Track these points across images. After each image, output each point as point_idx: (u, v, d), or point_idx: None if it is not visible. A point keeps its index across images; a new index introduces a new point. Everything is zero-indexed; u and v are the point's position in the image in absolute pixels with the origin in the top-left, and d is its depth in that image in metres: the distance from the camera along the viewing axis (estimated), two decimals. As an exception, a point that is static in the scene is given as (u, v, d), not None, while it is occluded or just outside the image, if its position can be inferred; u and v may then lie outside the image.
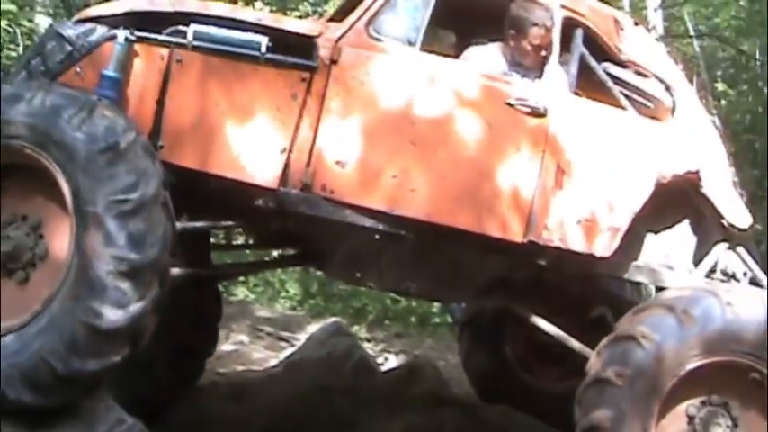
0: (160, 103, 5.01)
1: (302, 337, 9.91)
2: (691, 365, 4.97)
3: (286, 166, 5.04)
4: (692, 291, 5.28)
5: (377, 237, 5.26)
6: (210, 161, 5.02)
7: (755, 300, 5.17)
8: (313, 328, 10.08)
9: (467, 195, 5.22)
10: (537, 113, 5.34)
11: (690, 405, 5.13)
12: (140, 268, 4.30)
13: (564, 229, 5.37)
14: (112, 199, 4.29)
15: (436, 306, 14.12)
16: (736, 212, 5.89)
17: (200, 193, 5.15)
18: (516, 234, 5.28)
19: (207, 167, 5.01)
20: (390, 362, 10.06)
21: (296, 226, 5.36)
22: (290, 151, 5.04)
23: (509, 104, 5.31)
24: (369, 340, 11.71)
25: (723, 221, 5.83)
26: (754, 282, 5.85)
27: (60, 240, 4.45)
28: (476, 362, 7.60)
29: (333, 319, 10.58)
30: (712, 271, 5.88)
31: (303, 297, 14.66)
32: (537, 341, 6.87)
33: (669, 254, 5.94)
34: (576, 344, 5.70)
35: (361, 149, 5.10)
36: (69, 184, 4.37)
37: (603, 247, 5.43)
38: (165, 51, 5.06)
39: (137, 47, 5.02)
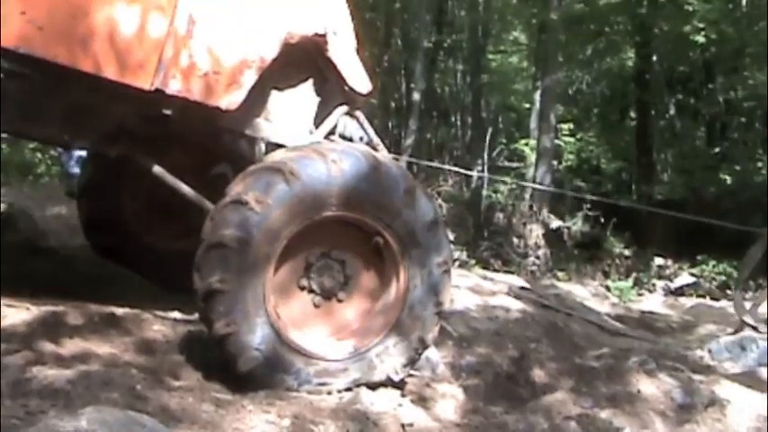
0: None
1: None
2: (303, 223, 5.03)
3: None
4: (299, 151, 5.26)
5: (1, 75, 4.92)
6: None
7: (362, 157, 5.25)
8: None
9: (95, 37, 4.98)
10: None
11: (311, 254, 5.26)
12: None
13: (191, 79, 5.30)
14: None
15: (39, 156, 13.60)
16: (359, 78, 6.06)
17: None
18: (143, 81, 5.14)
19: None
20: (-14, 211, 9.45)
21: None
22: None
23: None
24: (-35, 188, 10.98)
25: (345, 86, 5.99)
26: (371, 146, 6.03)
27: None
28: (92, 216, 7.30)
29: None
30: (331, 133, 6.06)
31: None
32: (156, 197, 6.77)
33: (291, 113, 6.02)
34: (192, 193, 5.68)
35: None
36: None
37: (229, 100, 5.44)
38: None
39: None
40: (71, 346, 5.09)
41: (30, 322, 5.30)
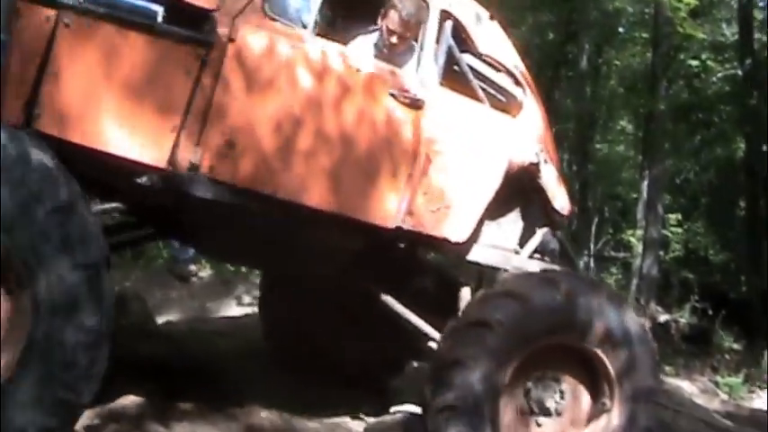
0: (41, 68, 4.47)
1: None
2: (534, 346, 5.31)
3: (175, 144, 4.76)
4: (534, 276, 5.60)
5: (257, 219, 5.17)
6: (95, 136, 4.58)
7: (592, 288, 5.53)
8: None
9: (350, 183, 5.26)
10: (416, 105, 5.48)
11: (551, 373, 5.51)
12: None
13: (426, 214, 5.55)
14: None
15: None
16: (562, 201, 6.31)
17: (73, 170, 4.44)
18: (388, 220, 5.42)
19: (91, 143, 4.58)
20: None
21: (175, 205, 5.08)
22: (180, 130, 4.76)
23: (392, 95, 5.39)
24: (79, 270, 11.23)
25: (551, 209, 6.23)
26: (570, 266, 6.39)
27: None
28: (274, 325, 7.44)
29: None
30: (535, 252, 6.23)
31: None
32: (342, 307, 7.05)
33: (501, 235, 6.18)
34: (423, 325, 5.87)
35: (251, 132, 4.95)
36: None
37: (459, 232, 5.68)
38: (51, 12, 4.51)
39: (20, 5, 4.42)
40: (180, 430, 5.17)
41: (140, 404, 5.42)
